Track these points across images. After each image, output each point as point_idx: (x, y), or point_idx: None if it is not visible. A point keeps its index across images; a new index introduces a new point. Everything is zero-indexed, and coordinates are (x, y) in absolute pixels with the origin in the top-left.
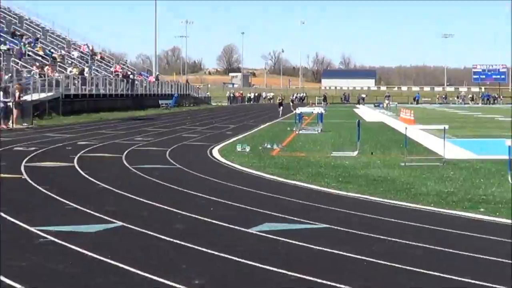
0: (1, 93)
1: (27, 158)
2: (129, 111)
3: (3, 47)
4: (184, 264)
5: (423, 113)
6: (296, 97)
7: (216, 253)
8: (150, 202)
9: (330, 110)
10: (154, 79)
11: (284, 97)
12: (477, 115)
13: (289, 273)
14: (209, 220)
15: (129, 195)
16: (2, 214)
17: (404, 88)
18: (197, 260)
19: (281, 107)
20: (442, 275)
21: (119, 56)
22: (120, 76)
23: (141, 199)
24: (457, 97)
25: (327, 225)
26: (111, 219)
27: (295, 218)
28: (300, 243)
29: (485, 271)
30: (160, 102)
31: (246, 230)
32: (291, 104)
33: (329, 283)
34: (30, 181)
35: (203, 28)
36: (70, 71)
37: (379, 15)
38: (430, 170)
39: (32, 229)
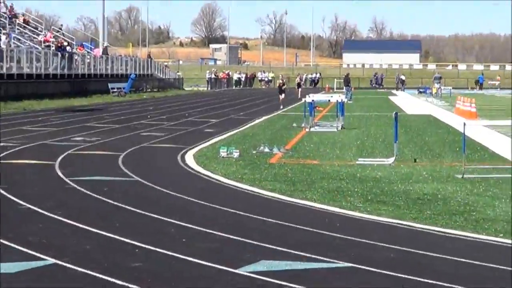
0: None
1: None
2: (65, 98)
3: None
4: None
5: (489, 102)
6: (305, 78)
7: None
8: (95, 231)
9: (355, 98)
10: (101, 53)
11: (287, 79)
12: None
13: None
14: (180, 256)
15: (65, 220)
16: None
17: (462, 67)
18: None
19: (283, 94)
20: None
21: (50, 19)
22: (53, 48)
23: (82, 226)
24: None
25: (350, 264)
26: (39, 254)
27: (304, 254)
28: None
29: None
30: (110, 86)
31: (233, 270)
32: (297, 89)
33: None
34: None
35: None
36: None
37: None
38: (499, 185)
39: None
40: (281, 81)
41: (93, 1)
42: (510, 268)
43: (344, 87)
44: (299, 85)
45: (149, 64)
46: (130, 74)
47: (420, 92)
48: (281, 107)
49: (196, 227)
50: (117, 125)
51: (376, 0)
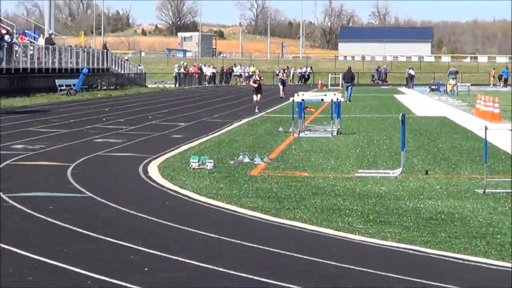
0: None
1: None
2: (3, 97)
3: None
4: None
5: None
6: (293, 73)
7: None
8: (39, 258)
9: (354, 97)
10: (44, 43)
11: (272, 74)
12: None
13: None
14: None
15: (1, 245)
16: None
17: (482, 59)
18: None
19: (259, 95)
20: None
21: None
22: None
23: (22, 252)
24: None
25: None
26: None
27: (292, 286)
28: None
29: None
30: (57, 82)
31: None
32: (280, 86)
33: None
34: None
35: None
36: None
37: None
38: None
39: None
40: (257, 78)
41: None
42: None
43: (345, 84)
44: (282, 82)
45: (104, 57)
46: (82, 69)
47: (432, 90)
48: (256, 110)
49: (161, 253)
50: (66, 130)
51: None
